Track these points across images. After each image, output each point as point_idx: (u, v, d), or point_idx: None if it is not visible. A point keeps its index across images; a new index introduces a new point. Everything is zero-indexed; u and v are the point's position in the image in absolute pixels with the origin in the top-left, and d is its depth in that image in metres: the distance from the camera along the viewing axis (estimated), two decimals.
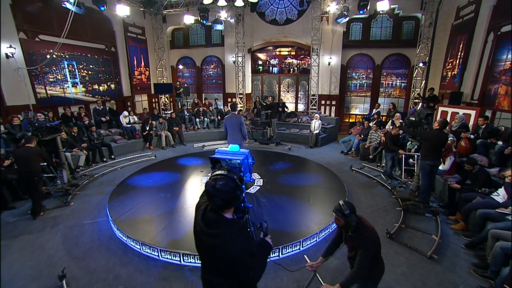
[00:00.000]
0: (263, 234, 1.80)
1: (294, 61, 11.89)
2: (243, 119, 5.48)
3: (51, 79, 8.23)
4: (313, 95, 10.95)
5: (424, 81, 9.64)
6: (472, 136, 5.69)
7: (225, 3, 9.75)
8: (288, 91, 12.43)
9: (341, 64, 10.84)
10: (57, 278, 2.99)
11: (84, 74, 9.34)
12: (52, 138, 5.45)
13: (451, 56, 8.55)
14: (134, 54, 11.43)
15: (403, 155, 5.77)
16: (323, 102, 11.36)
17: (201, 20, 10.49)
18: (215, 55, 12.88)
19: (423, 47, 9.37)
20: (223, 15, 10.85)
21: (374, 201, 5.06)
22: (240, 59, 11.58)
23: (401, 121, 7.25)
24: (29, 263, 3.41)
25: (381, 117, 9.34)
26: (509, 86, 6.02)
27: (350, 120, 11.67)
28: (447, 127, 5.49)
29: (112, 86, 10.54)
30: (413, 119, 5.69)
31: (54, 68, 8.31)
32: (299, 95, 12.28)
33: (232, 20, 11.34)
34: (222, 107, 11.72)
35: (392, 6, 9.16)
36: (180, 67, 13.83)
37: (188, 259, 3.26)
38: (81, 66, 9.17)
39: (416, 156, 5.42)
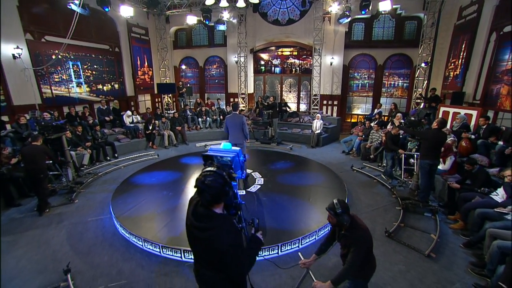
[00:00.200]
0: (254, 229, 1.85)
1: (296, 61, 11.92)
2: (245, 119, 5.52)
3: (56, 79, 8.38)
4: (315, 95, 10.98)
5: (426, 81, 9.62)
6: (472, 136, 5.69)
7: (227, 4, 9.83)
8: (290, 91, 12.47)
9: (343, 64, 10.85)
10: (62, 272, 3.10)
11: (89, 74, 9.48)
12: (58, 137, 5.59)
13: (453, 56, 8.53)
14: (138, 54, 11.56)
15: (403, 155, 5.79)
16: (325, 102, 11.37)
17: (204, 21, 10.57)
18: (218, 55, 12.97)
19: (425, 47, 9.36)
20: (225, 15, 10.95)
21: (374, 200, 5.09)
22: (242, 59, 11.66)
23: (401, 121, 7.26)
24: (35, 258, 3.51)
25: (382, 117, 9.35)
26: (511, 86, 6.00)
27: (352, 120, 11.66)
28: (448, 127, 5.49)
29: (116, 86, 10.67)
30: (413, 119, 5.71)
31: (60, 69, 8.45)
32: (301, 95, 12.32)
33: (235, 21, 11.43)
34: (224, 107, 11.79)
35: (394, 6, 9.16)
36: (183, 67, 13.94)
37: (188, 256, 3.33)
38: (85, 66, 9.31)
39: (416, 155, 5.43)
